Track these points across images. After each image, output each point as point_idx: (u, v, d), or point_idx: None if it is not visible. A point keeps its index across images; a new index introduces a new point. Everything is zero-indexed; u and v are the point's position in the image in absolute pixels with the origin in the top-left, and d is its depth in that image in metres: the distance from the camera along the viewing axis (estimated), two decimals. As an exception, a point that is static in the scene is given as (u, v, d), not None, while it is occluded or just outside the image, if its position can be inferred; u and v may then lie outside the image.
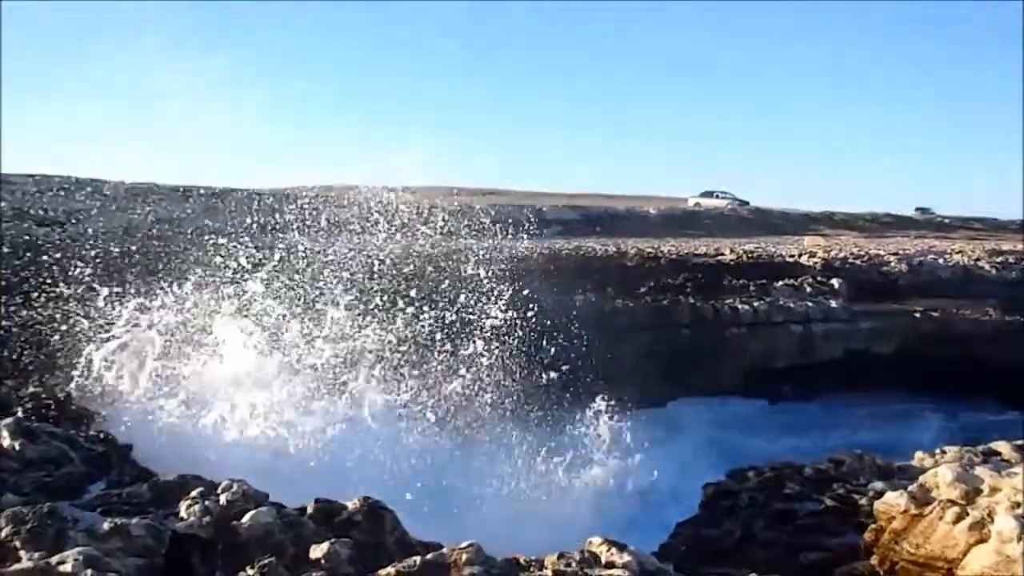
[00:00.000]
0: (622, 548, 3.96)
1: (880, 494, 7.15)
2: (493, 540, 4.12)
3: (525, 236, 20.14)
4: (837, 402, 21.96)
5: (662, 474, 15.87)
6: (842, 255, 28.80)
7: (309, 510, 4.54)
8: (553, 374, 16.53)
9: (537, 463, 10.01)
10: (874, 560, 5.94)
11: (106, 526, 3.82)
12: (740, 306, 18.67)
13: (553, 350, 16.23)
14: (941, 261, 29.70)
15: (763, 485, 7.92)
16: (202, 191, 44.74)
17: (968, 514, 5.44)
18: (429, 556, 3.73)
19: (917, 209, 74.73)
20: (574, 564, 3.62)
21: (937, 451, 8.11)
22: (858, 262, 27.19)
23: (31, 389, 6.59)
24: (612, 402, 17.64)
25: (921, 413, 21.49)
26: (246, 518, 4.10)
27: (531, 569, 3.68)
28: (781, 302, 19.47)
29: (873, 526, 6.20)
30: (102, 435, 5.76)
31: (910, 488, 6.15)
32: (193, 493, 4.36)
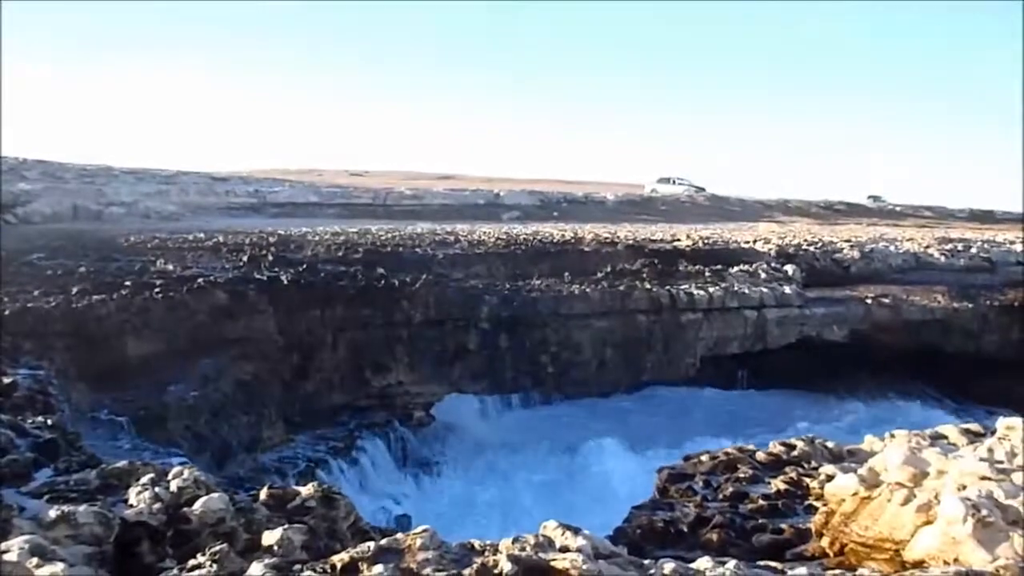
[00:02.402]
0: (576, 532, 3.97)
1: (831, 477, 7.27)
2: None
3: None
4: (791, 389, 22.34)
5: (617, 460, 16.11)
6: (796, 242, 29.17)
7: (262, 496, 4.51)
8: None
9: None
10: (824, 542, 6.01)
11: (52, 514, 3.75)
12: (696, 292, 18.78)
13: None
14: (892, 248, 30.18)
15: (716, 469, 8.01)
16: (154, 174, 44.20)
17: (915, 496, 5.53)
18: (383, 541, 3.71)
19: (869, 197, 75.95)
20: (528, 548, 3.61)
21: (886, 435, 8.24)
22: (812, 249, 27.55)
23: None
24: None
25: (870, 397, 21.91)
26: (197, 505, 4.04)
27: (485, 553, 3.67)
28: (736, 288, 19.61)
29: (824, 509, 6.28)
30: (49, 421, 5.65)
31: (859, 471, 6.24)
32: (143, 479, 4.29)
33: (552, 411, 19.46)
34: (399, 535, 3.82)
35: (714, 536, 6.33)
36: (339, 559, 3.54)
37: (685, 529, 6.60)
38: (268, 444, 12.74)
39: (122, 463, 4.53)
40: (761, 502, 6.95)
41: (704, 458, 8.31)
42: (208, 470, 10.17)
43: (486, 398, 18.22)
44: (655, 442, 16.56)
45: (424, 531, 3.81)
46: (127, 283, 12.89)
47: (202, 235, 23.51)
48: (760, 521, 6.59)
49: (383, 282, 15.90)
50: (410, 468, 14.97)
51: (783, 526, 6.47)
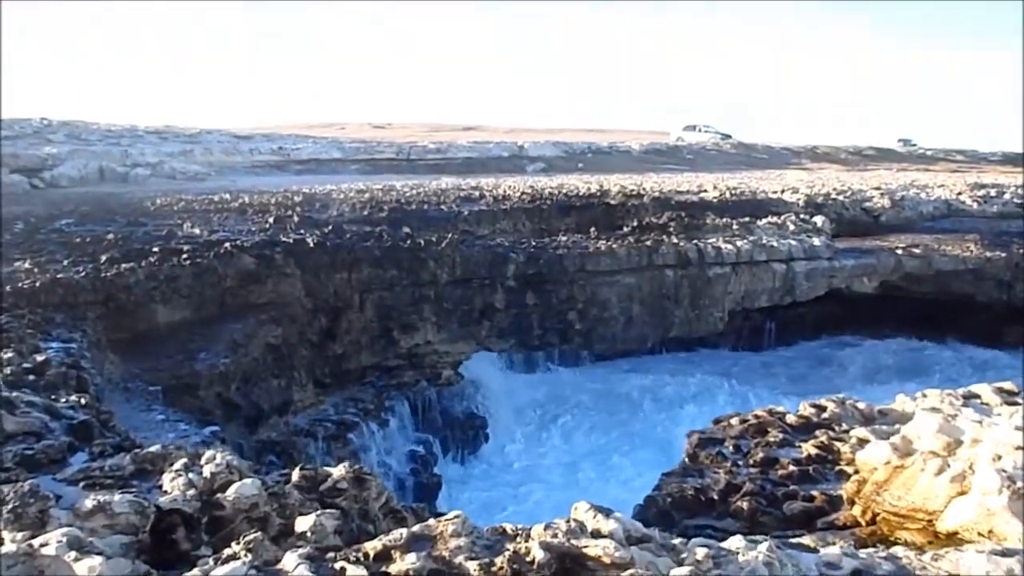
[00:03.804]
0: (608, 514, 3.96)
1: (862, 441, 7.23)
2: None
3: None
4: (820, 343, 22.24)
5: (647, 423, 16.20)
6: (824, 191, 28.81)
7: (294, 478, 4.53)
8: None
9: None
10: (856, 510, 6.01)
11: (89, 504, 3.79)
12: (723, 245, 18.63)
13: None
14: (923, 196, 29.76)
15: (747, 432, 7.99)
16: (178, 134, 44.26)
17: (949, 466, 5.49)
18: (415, 528, 3.72)
19: (900, 140, 74.72)
20: (560, 535, 3.61)
21: (918, 394, 8.17)
22: (841, 198, 27.22)
23: (7, 355, 6.50)
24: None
25: (902, 351, 21.74)
26: (230, 491, 4.07)
27: (517, 539, 3.67)
28: (764, 240, 19.44)
29: (856, 477, 6.26)
30: (83, 401, 5.71)
31: (892, 439, 6.20)
32: (176, 465, 4.32)
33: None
34: (431, 521, 3.83)
35: (744, 504, 6.33)
36: (372, 547, 3.55)
37: (715, 497, 6.61)
38: (299, 407, 12.85)
39: (155, 447, 4.57)
40: (792, 468, 6.94)
41: (734, 421, 8.30)
42: (240, 436, 10.33)
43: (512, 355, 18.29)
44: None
45: (456, 516, 3.82)
46: (155, 249, 12.93)
47: (227, 196, 23.54)
48: (791, 488, 6.58)
49: (409, 242, 15.88)
50: (445, 428, 15.08)
51: (814, 493, 6.46)
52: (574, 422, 16.51)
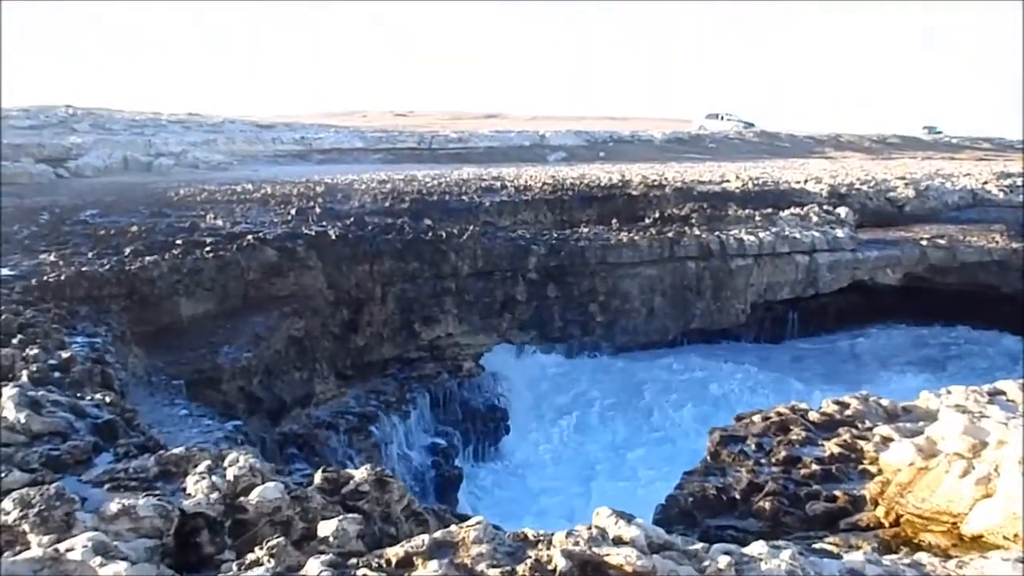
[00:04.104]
0: (629, 520, 3.95)
1: (886, 440, 7.18)
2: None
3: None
4: (843, 335, 22.10)
5: (668, 417, 16.17)
6: (848, 181, 28.58)
7: (316, 480, 4.55)
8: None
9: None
10: (880, 511, 5.96)
11: (114, 507, 3.81)
12: (746, 237, 18.53)
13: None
14: (948, 185, 29.45)
15: (769, 430, 7.95)
16: (201, 123, 44.45)
17: (974, 468, 5.44)
18: (437, 534, 3.72)
19: (924, 128, 74.00)
20: (582, 542, 3.61)
21: (942, 391, 8.10)
22: (864, 188, 27.00)
23: (33, 351, 6.56)
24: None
25: (925, 344, 21.60)
26: (254, 494, 4.09)
27: (539, 546, 3.67)
28: (787, 232, 19.33)
29: (879, 478, 6.22)
30: (107, 399, 5.75)
31: (916, 440, 6.15)
32: (200, 467, 4.35)
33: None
34: (452, 528, 3.84)
35: (767, 505, 6.30)
36: (394, 553, 3.57)
37: (737, 497, 6.58)
38: (321, 399, 12.92)
39: (179, 449, 4.60)
40: (814, 467, 6.89)
41: (756, 419, 8.26)
42: (263, 429, 10.40)
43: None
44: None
45: (478, 523, 3.83)
46: (178, 242, 13.02)
47: (250, 186, 23.65)
48: (813, 488, 6.54)
49: (430, 234, 15.92)
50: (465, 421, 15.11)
51: (837, 493, 6.42)
52: (595, 415, 16.49)
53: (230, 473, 4.30)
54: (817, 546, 4.71)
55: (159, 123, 43.43)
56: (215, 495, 4.11)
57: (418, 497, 12.43)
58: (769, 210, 21.30)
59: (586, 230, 18.59)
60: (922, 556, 4.14)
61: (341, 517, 3.98)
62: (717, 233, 18.66)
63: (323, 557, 3.53)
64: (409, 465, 13.33)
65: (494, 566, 3.47)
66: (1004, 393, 7.51)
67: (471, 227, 16.78)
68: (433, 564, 3.44)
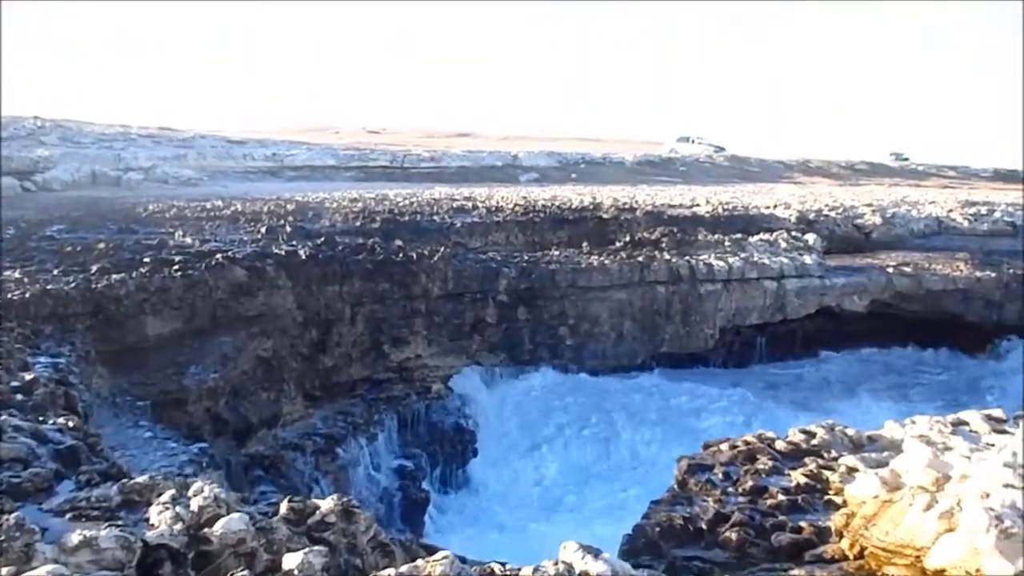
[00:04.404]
0: (596, 555, 3.96)
1: (851, 470, 7.24)
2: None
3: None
4: (811, 360, 22.30)
5: (638, 447, 16.19)
6: (817, 207, 28.92)
7: (282, 510, 4.50)
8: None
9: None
10: (844, 543, 6.00)
11: (75, 538, 3.75)
12: (715, 262, 18.67)
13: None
14: (915, 213, 29.86)
15: (736, 459, 7.99)
16: (171, 138, 44.17)
17: (938, 502, 5.49)
18: (403, 569, 3.71)
19: (891, 154, 75.05)
20: (549, 578, 3.61)
21: (907, 421, 8.19)
22: (832, 214, 27.32)
23: (-3, 374, 6.46)
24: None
25: (891, 369, 21.84)
26: (218, 525, 4.04)
27: (506, 581, 3.67)
28: (756, 258, 19.49)
29: (844, 510, 6.26)
30: (70, 423, 5.67)
31: (881, 473, 6.20)
32: (164, 497, 4.30)
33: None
34: (419, 562, 3.82)
35: (733, 535, 6.31)
36: (359, 588, 3.54)
37: (704, 527, 6.59)
38: (288, 420, 12.80)
39: (142, 478, 4.54)
40: (781, 497, 6.93)
41: (724, 447, 8.29)
42: (228, 451, 10.29)
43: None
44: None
45: (444, 557, 3.81)
46: (146, 259, 12.89)
47: (220, 203, 23.54)
48: (779, 518, 6.57)
49: (401, 255, 15.89)
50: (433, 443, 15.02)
51: (802, 524, 6.45)
52: (563, 441, 16.47)
53: (194, 503, 4.25)
54: (782, 580, 4.72)
55: (129, 137, 43.11)
56: (179, 526, 4.06)
57: (385, 520, 12.39)
58: (738, 235, 21.48)
59: (557, 253, 18.65)
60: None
61: (307, 550, 3.94)
62: (687, 258, 18.77)
63: (288, 592, 3.50)
64: (376, 488, 13.24)
65: (460, 602, 3.46)
66: (967, 423, 7.60)
67: (442, 248, 16.78)
68: (399, 600, 3.42)
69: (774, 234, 21.79)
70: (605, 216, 24.01)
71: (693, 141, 67.94)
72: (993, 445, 6.69)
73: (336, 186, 34.54)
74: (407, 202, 25.72)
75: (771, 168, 61.10)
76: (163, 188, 29.74)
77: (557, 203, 26.82)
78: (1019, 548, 4.90)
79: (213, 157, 40.06)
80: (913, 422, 7.91)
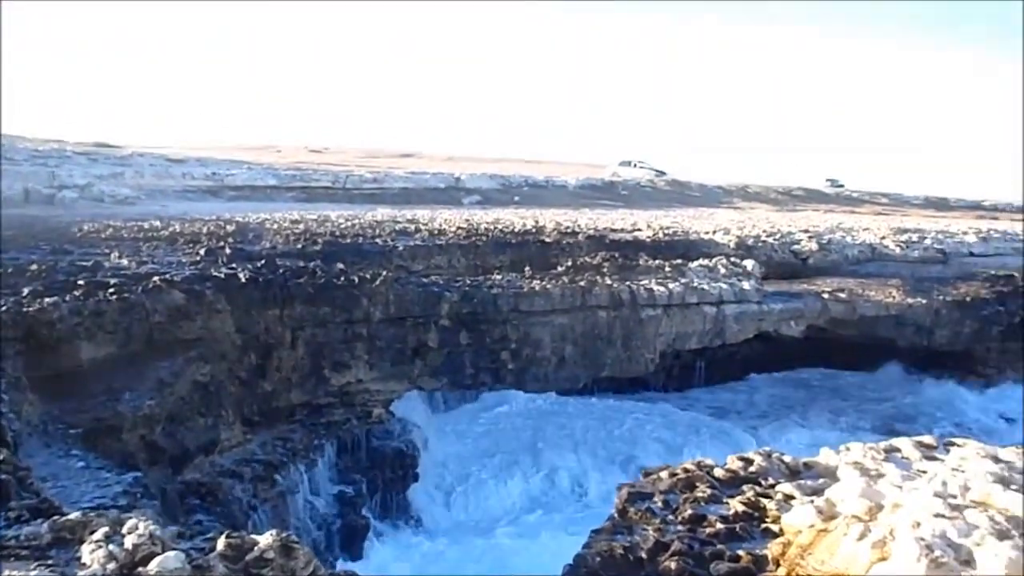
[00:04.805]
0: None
1: (788, 498, 7.36)
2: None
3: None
4: (749, 383, 22.74)
5: (584, 472, 16.29)
6: (755, 232, 29.42)
7: (219, 546, 4.44)
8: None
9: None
10: (781, 573, 6.09)
11: (3, 581, 3.66)
12: (656, 287, 18.87)
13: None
14: (849, 239, 30.55)
15: (675, 487, 8.06)
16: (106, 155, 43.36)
17: (871, 531, 5.61)
18: (342, 607, 3.68)
19: (827, 181, 76.72)
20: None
21: (841, 448, 8.36)
22: (770, 240, 27.82)
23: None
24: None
25: (826, 391, 22.34)
26: (153, 564, 3.97)
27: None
28: (695, 283, 19.75)
29: (781, 539, 6.36)
30: (1, 456, 5.53)
31: (816, 502, 6.32)
32: (96, 535, 4.21)
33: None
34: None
35: (672, 565, 6.37)
36: (298, 628, 3.50)
37: (644, 556, 6.64)
38: (226, 446, 12.58)
39: (75, 514, 4.44)
40: (719, 526, 7.01)
41: (663, 475, 8.36)
42: (164, 479, 10.09)
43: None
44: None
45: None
46: (80, 281, 12.60)
47: (158, 223, 23.16)
48: (718, 547, 6.65)
49: (343, 279, 15.77)
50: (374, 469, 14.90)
51: (740, 553, 6.53)
52: (505, 465, 16.49)
53: (128, 541, 4.17)
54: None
55: (64, 154, 42.20)
56: (112, 565, 3.98)
57: (324, 547, 12.25)
58: (679, 260, 21.75)
59: (499, 277, 18.66)
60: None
61: (244, 588, 3.89)
62: (628, 283, 18.94)
63: (224, 634, 3.44)
64: (315, 515, 13.09)
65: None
66: (899, 450, 7.79)
67: (384, 272, 16.70)
68: (338, 641, 3.38)
69: (713, 260, 22.10)
70: (548, 240, 24.14)
71: (635, 165, 68.66)
72: (924, 472, 6.86)
73: (277, 207, 34.19)
74: (349, 224, 25.58)
75: (711, 193, 62.00)
76: (99, 207, 29.14)
77: (500, 226, 26.90)
78: (949, 577, 5.03)
79: (151, 175, 39.42)
80: (848, 448, 8.07)
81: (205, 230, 21.67)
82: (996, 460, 6.60)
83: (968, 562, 5.07)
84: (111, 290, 12.40)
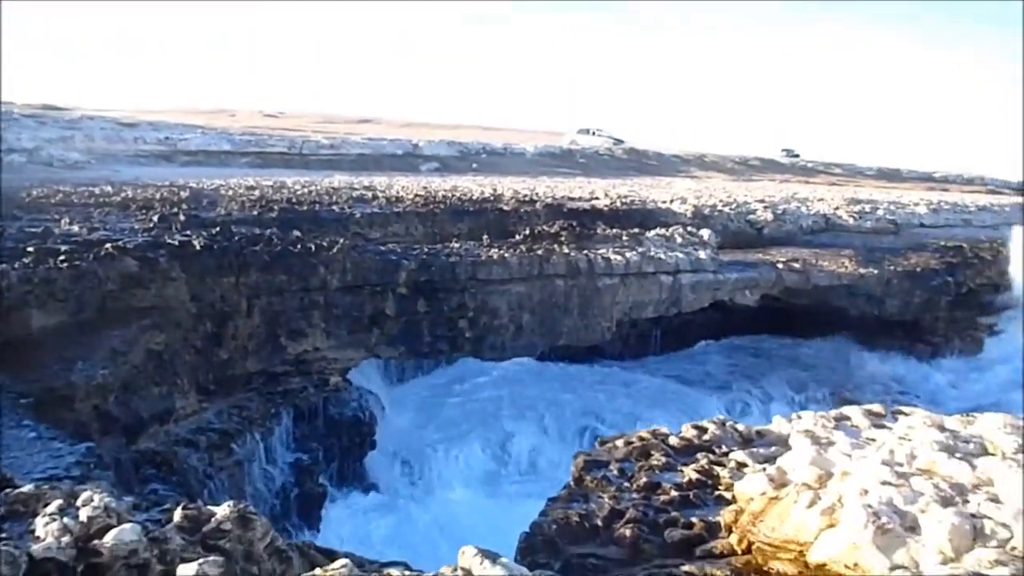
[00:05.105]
0: (494, 559, 4.00)
1: (740, 466, 7.50)
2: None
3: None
4: (703, 351, 23.01)
5: (540, 439, 16.41)
6: (711, 202, 29.62)
7: (176, 517, 4.42)
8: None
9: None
10: (733, 539, 6.22)
11: (-45, 554, 3.62)
12: (613, 256, 18.95)
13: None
14: (804, 210, 30.91)
15: (631, 455, 8.17)
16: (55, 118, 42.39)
17: (820, 499, 5.74)
18: (301, 578, 3.69)
19: (783, 151, 77.39)
20: (447, 586, 3.65)
21: (793, 416, 8.52)
22: (727, 210, 28.05)
23: None
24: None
25: (779, 359, 22.69)
26: (108, 537, 3.95)
27: (405, 589, 3.69)
28: (652, 253, 19.86)
29: (733, 507, 6.48)
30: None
31: (768, 471, 6.44)
32: (51, 507, 4.17)
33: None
34: (317, 571, 3.82)
35: (627, 532, 6.47)
36: (256, 599, 3.51)
37: (599, 523, 6.73)
38: (181, 415, 12.49)
39: (28, 487, 4.40)
40: (673, 493, 7.13)
41: (619, 443, 8.47)
42: (118, 449, 10.00)
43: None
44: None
45: (343, 565, 3.81)
46: (30, 248, 12.36)
47: (109, 188, 22.77)
48: (672, 514, 6.76)
49: (299, 246, 15.64)
50: (330, 437, 14.88)
51: (693, 520, 6.65)
52: (462, 432, 16.57)
53: (83, 514, 4.14)
54: (674, 579, 4.86)
55: (11, 116, 41.12)
56: (67, 538, 3.95)
57: (281, 515, 12.23)
58: (636, 230, 21.84)
59: (457, 245, 18.63)
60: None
61: (201, 560, 3.88)
62: (585, 252, 19.00)
63: (182, 604, 3.45)
64: (272, 483, 13.08)
65: (360, 612, 3.46)
66: (849, 419, 7.94)
67: (341, 240, 16.58)
68: (296, 612, 3.41)
69: (670, 229, 22.24)
70: (506, 208, 24.12)
71: (593, 133, 68.73)
72: (873, 440, 7.02)
73: (232, 172, 33.74)
74: (306, 191, 25.33)
75: (668, 162, 62.28)
76: (48, 172, 28.52)
77: (458, 194, 26.82)
78: (896, 543, 5.16)
79: (102, 139, 38.64)
80: (799, 417, 8.22)
81: (158, 196, 21.34)
82: (942, 429, 6.75)
83: (913, 528, 5.20)
84: (62, 257, 12.20)
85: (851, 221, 30.41)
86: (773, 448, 7.80)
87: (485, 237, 19.70)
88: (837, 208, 32.31)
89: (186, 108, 72.71)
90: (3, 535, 3.96)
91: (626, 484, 7.50)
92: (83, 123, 41.99)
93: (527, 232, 20.63)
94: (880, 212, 32.67)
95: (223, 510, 4.50)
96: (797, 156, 76.20)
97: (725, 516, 6.46)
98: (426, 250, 17.77)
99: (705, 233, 22.08)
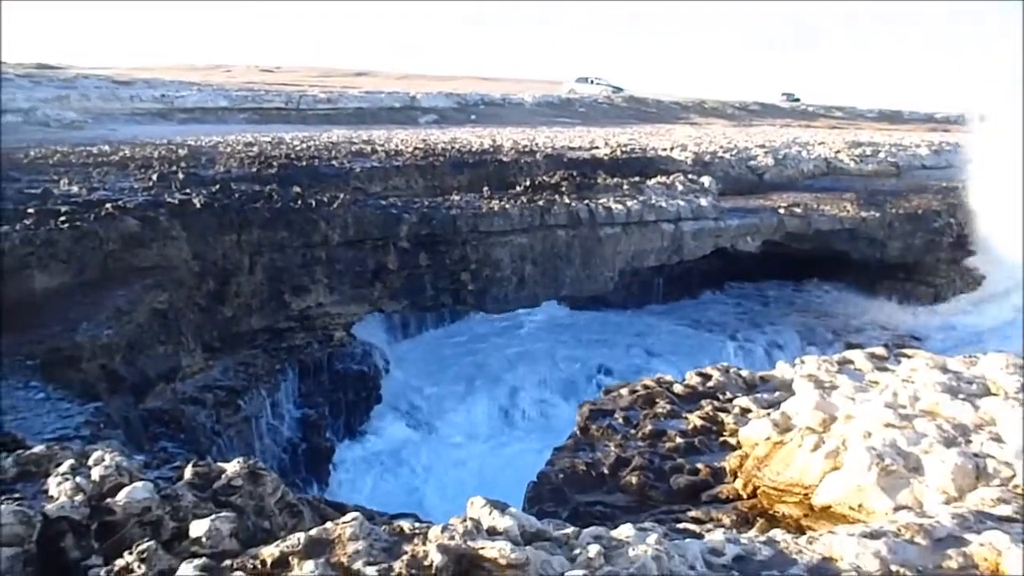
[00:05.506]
0: (503, 510, 4.03)
1: (745, 411, 7.54)
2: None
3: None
4: (705, 299, 23.04)
5: (546, 390, 16.50)
6: (712, 149, 29.45)
7: (187, 475, 4.46)
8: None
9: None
10: (738, 483, 6.29)
11: (-30, 515, 3.66)
12: (614, 206, 18.89)
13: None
14: (805, 154, 30.74)
15: (636, 403, 8.23)
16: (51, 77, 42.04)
17: (824, 443, 5.79)
18: (312, 532, 3.72)
19: (783, 95, 76.75)
20: (457, 536, 3.68)
21: (796, 360, 8.55)
22: (727, 156, 27.89)
23: None
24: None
25: (782, 304, 22.74)
26: (121, 495, 3.98)
27: (415, 540, 3.72)
28: (653, 201, 19.79)
29: (738, 452, 6.55)
30: (-40, 392, 5.48)
31: (772, 415, 6.49)
32: (63, 467, 4.21)
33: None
34: (328, 524, 3.84)
35: (633, 479, 6.54)
36: (269, 553, 3.55)
37: (606, 472, 6.81)
38: (187, 373, 12.56)
39: (39, 448, 4.43)
40: (678, 440, 7.19)
41: (624, 392, 8.53)
42: (126, 408, 10.06)
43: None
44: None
45: (354, 519, 3.84)
46: (30, 210, 12.34)
47: (107, 147, 22.66)
48: (677, 461, 6.83)
49: (300, 202, 15.60)
50: (336, 392, 14.97)
51: (699, 466, 6.72)
52: (469, 384, 16.65)
53: (95, 473, 4.18)
54: (681, 525, 4.92)
55: (5, 77, 40.78)
56: (79, 497, 3.99)
57: (289, 470, 12.35)
58: (637, 178, 21.72)
59: (457, 198, 18.55)
60: (776, 533, 4.37)
61: (213, 516, 3.92)
62: (586, 202, 18.93)
63: (196, 561, 3.48)
64: (279, 438, 13.19)
65: (371, 563, 3.50)
66: (852, 362, 7.98)
67: (341, 195, 16.53)
68: (309, 564, 3.44)
69: (671, 177, 22.13)
70: (505, 159, 24.00)
71: (592, 82, 68.16)
72: (876, 383, 7.05)
73: (229, 129, 33.53)
74: (304, 146, 25.20)
75: (668, 109, 61.81)
76: (45, 132, 28.35)
77: (457, 146, 26.67)
78: (899, 484, 5.22)
79: (98, 98, 38.35)
80: (803, 362, 8.25)
81: (156, 154, 21.24)
82: (944, 370, 6.79)
83: (916, 469, 5.25)
84: (63, 218, 12.19)
85: (852, 164, 30.28)
86: (777, 393, 7.85)
87: (485, 189, 19.62)
88: (838, 152, 32.12)
89: (181, 65, 72.03)
90: (17, 495, 4.00)
91: (631, 432, 7.56)
92: (78, 82, 41.64)
93: (528, 183, 20.54)
94: (881, 155, 32.48)
95: (233, 466, 4.53)
96: (797, 100, 75.61)
97: (730, 461, 6.52)
98: (427, 203, 17.71)
99: (706, 180, 21.98)
